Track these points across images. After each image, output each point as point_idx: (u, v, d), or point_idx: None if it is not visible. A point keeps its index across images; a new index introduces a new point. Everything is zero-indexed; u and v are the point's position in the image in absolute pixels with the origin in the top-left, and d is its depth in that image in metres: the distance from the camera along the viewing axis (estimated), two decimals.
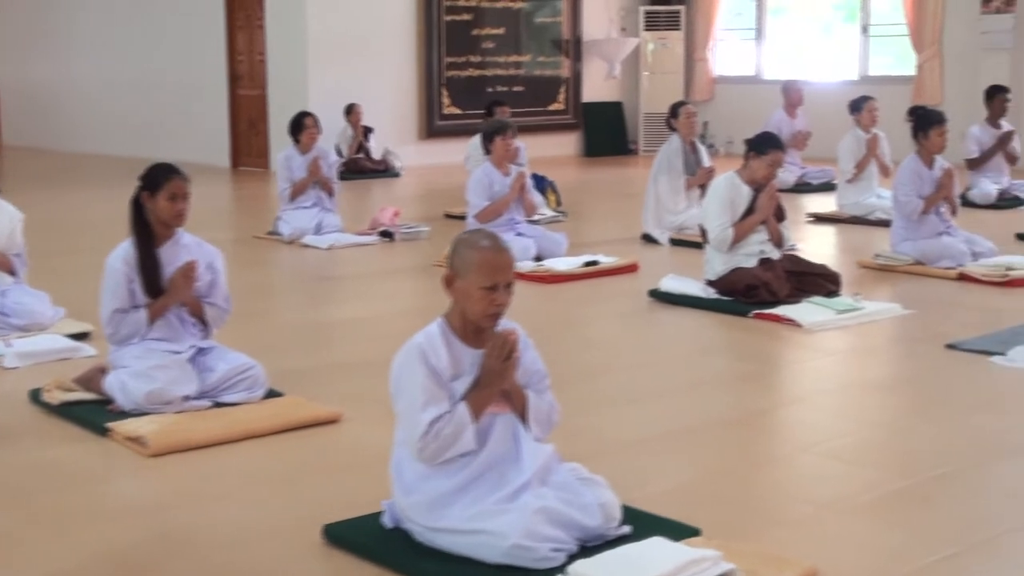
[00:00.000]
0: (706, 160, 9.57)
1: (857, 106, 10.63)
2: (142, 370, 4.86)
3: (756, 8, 17.08)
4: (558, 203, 11.15)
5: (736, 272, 6.92)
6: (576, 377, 5.47)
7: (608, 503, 3.47)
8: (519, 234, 8.38)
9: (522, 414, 3.53)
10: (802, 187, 12.58)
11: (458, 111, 16.07)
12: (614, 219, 10.92)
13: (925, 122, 8.03)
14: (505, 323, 3.54)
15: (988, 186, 11.11)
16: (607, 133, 17.52)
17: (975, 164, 11.26)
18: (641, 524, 3.54)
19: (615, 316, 6.90)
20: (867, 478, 4.18)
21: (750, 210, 6.98)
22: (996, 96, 11.28)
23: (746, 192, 7.00)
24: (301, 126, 9.69)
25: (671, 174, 9.39)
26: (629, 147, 17.63)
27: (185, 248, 5.11)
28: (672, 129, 9.58)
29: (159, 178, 5.00)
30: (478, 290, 3.42)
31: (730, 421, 4.85)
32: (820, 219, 10.52)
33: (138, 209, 5.03)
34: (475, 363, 3.48)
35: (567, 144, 17.25)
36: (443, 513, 3.41)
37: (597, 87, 17.38)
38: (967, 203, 11.11)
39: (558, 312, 7.07)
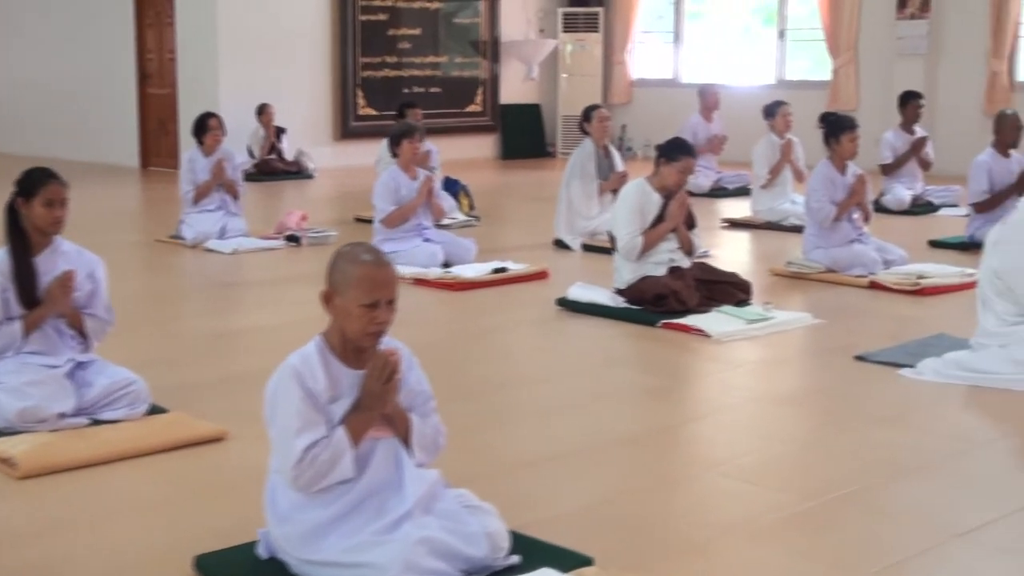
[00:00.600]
0: (619, 164, 9.43)
1: (771, 111, 10.57)
2: (15, 386, 4.59)
3: (674, 11, 17.03)
4: (471, 207, 10.96)
5: (645, 281, 6.78)
6: (475, 391, 5.29)
7: (495, 532, 3.29)
8: (427, 240, 8.18)
9: (405, 439, 3.34)
10: (718, 192, 12.50)
11: (373, 112, 15.82)
12: (528, 224, 10.77)
13: (836, 128, 7.95)
14: (388, 341, 3.35)
15: (902, 192, 11.10)
16: (525, 135, 17.37)
17: (889, 170, 11.25)
18: (531, 553, 3.36)
19: (520, 326, 6.72)
20: (771, 500, 4.04)
21: (660, 218, 6.85)
22: (910, 102, 11.28)
23: (656, 199, 6.86)
24: (205, 127, 9.41)
25: (584, 179, 9.24)
26: (547, 150, 17.50)
27: (64, 256, 4.85)
28: (585, 133, 9.43)
29: (35, 183, 4.73)
30: (357, 307, 3.22)
31: (632, 438, 4.69)
32: (734, 224, 10.43)
33: (13, 215, 4.76)
34: (355, 384, 3.27)
35: (484, 146, 17.07)
36: (319, 545, 3.20)
37: (515, 89, 17.23)
38: (881, 209, 11.09)
39: (462, 321, 6.88)
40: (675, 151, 6.83)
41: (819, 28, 15.22)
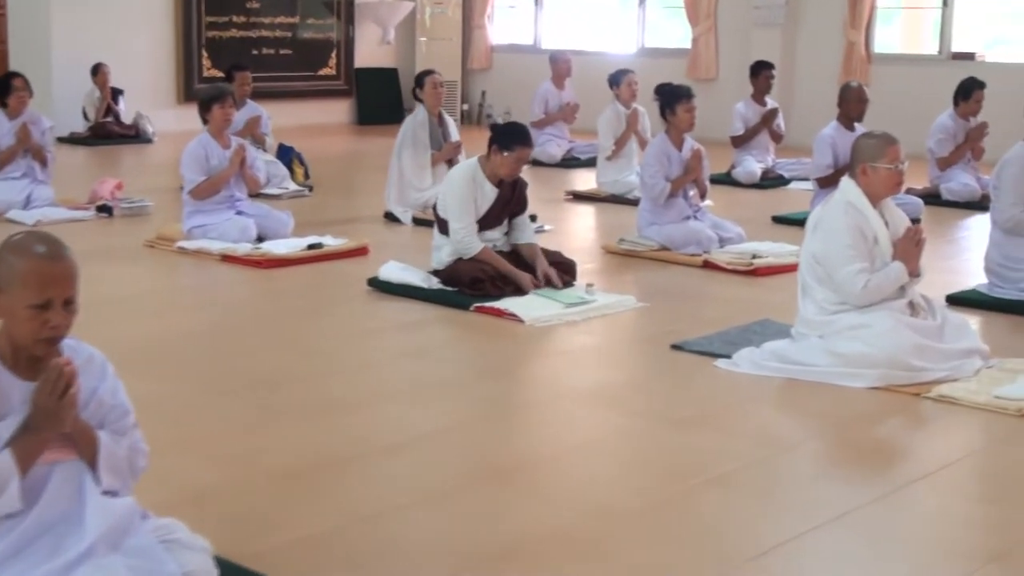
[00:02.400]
0: (454, 134, 8.95)
1: (616, 80, 10.17)
2: None
3: None
4: (306, 176, 10.40)
5: (462, 263, 6.32)
6: (246, 386, 4.80)
7: (197, 571, 2.81)
8: (240, 212, 7.61)
9: (91, 461, 2.83)
10: (570, 161, 12.10)
11: (220, 74, 15.03)
12: (367, 194, 10.22)
13: (671, 98, 7.56)
14: (76, 346, 2.84)
15: (752, 165, 10.82)
16: (381, 100, 16.77)
17: (739, 142, 10.96)
18: None
19: (324, 308, 6.21)
20: (548, 519, 3.61)
21: (494, 207, 6.37)
22: (761, 72, 10.99)
23: (489, 191, 6.36)
24: (8, 88, 8.70)
25: (416, 148, 8.75)
26: (405, 115, 16.81)
27: None
28: (418, 100, 8.92)
29: None
30: (25, 308, 2.70)
31: (403, 444, 4.22)
32: (578, 197, 10.03)
33: None
34: (28, 399, 2.76)
35: (338, 111, 16.45)
36: None
37: (371, 52, 16.62)
38: (731, 182, 10.82)
39: (262, 303, 6.38)
40: (511, 139, 6.33)
41: None
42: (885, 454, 4.30)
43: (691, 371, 5.13)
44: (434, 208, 6.63)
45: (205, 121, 7.64)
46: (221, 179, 7.54)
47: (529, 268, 6.39)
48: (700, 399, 4.78)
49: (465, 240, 6.30)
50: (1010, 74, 12.79)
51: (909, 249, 5.06)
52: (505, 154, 6.29)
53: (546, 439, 4.34)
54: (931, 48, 13.64)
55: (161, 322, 5.89)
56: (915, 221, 8.85)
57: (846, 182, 5.17)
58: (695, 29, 14.71)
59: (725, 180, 10.91)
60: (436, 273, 6.45)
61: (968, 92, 9.84)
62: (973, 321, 6.05)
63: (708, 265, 7.18)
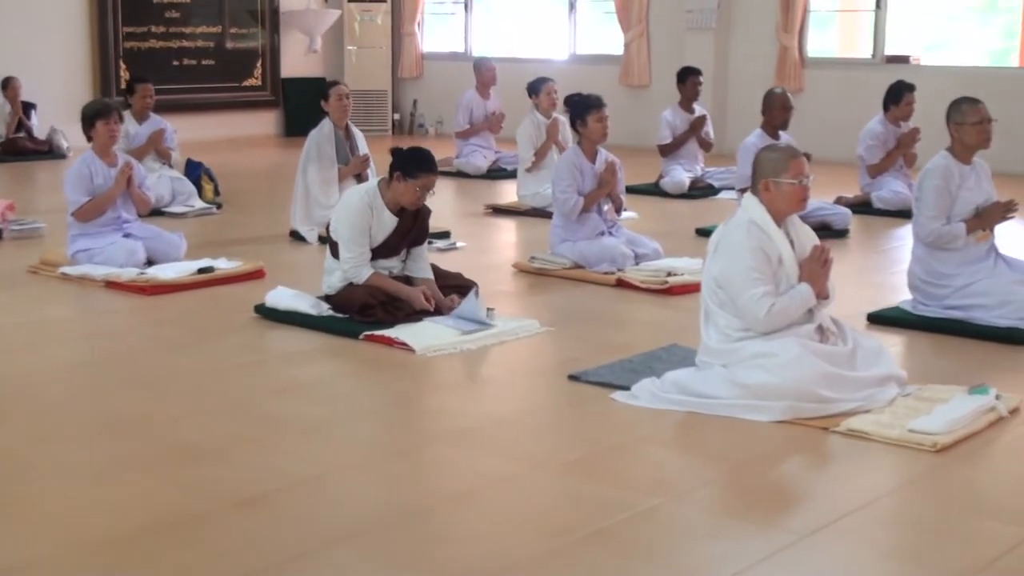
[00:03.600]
0: (363, 147, 8.53)
1: (535, 88, 9.81)
2: None
3: None
4: (216, 193, 9.96)
5: (352, 288, 5.91)
6: (89, 432, 4.37)
7: None
8: (127, 235, 7.17)
9: None
10: (496, 173, 11.72)
11: None
12: (278, 211, 9.75)
13: (581, 108, 7.21)
14: None
15: (681, 174, 10.47)
16: (310, 111, 16.11)
17: (667, 150, 10.62)
18: None
19: (202, 340, 5.75)
20: None
21: (393, 236, 5.96)
22: (688, 78, 10.65)
23: (388, 220, 5.94)
24: None
25: (321, 163, 8.32)
26: None
27: None
28: (323, 112, 8.50)
29: None
30: None
31: (258, 498, 3.80)
32: (498, 211, 9.64)
33: None
34: None
35: (264, 122, 16.01)
36: None
37: (298, 62, 16.20)
38: (659, 192, 10.48)
39: (136, 334, 5.94)
40: (416, 165, 5.88)
41: (610, 0, 14.55)
42: (785, 500, 3.93)
43: (586, 405, 4.74)
44: (327, 229, 6.21)
45: (89, 138, 7.20)
46: (106, 199, 7.09)
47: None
48: (591, 438, 4.39)
49: (353, 270, 5.89)
50: (945, 77, 12.53)
51: (816, 270, 4.70)
52: (409, 181, 5.86)
53: (415, 491, 3.93)
54: (868, 52, 13.35)
55: (24, 357, 5.44)
56: (843, 232, 8.64)
57: (748, 199, 4.81)
58: (627, 34, 14.38)
59: (653, 190, 10.57)
60: (327, 299, 6.05)
61: (898, 96, 9.54)
62: (895, 342, 5.73)
63: (621, 284, 6.81)
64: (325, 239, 7.88)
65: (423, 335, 5.57)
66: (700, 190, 10.44)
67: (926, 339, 5.79)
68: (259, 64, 15.81)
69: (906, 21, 14.09)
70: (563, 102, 7.60)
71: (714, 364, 4.71)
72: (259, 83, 15.84)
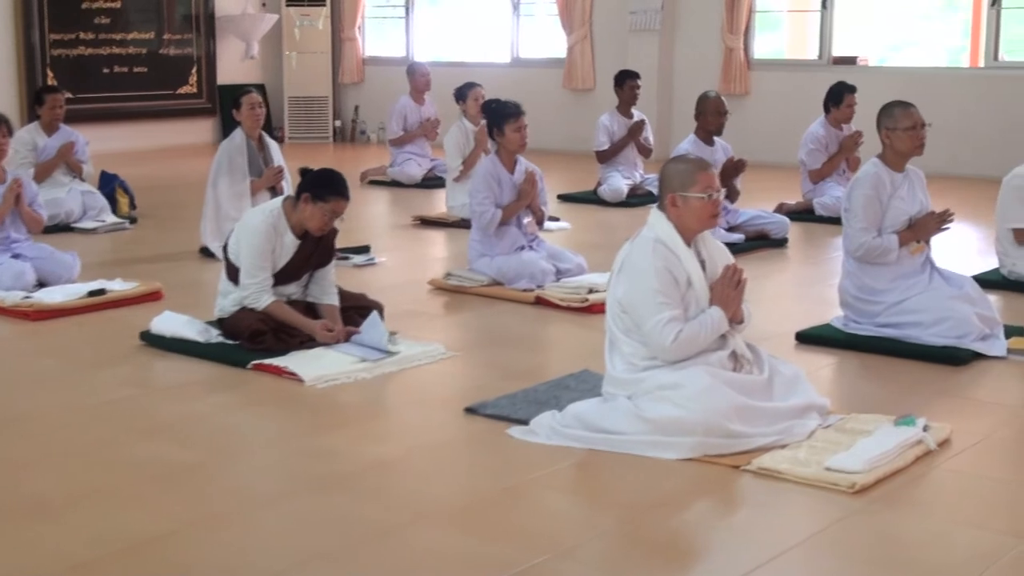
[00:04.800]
0: (277, 158, 8.10)
1: (461, 94, 9.41)
2: None
3: None
4: (132, 206, 9.51)
5: (244, 313, 5.48)
6: None
7: None
8: (16, 255, 6.72)
9: None
10: (431, 182, 11.28)
11: (67, 95, 14.08)
12: (197, 226, 9.32)
13: (498, 117, 6.80)
14: None
15: (619, 181, 10.09)
16: None
17: (605, 157, 10.24)
18: None
19: (77, 372, 5.29)
20: None
21: (295, 260, 5.54)
22: (626, 82, 10.27)
23: (290, 243, 5.50)
24: None
25: (232, 176, 7.87)
26: (274, 134, 16.00)
27: None
28: (235, 122, 8.07)
29: None
30: None
31: (95, 560, 3.39)
32: (426, 222, 9.23)
33: None
34: None
35: (201, 131, 15.53)
36: None
37: (235, 68, 15.74)
38: (597, 200, 10.11)
39: (8, 366, 5.47)
40: (326, 189, 5.41)
41: (553, 2, 14.16)
42: (682, 554, 3.53)
43: (480, 443, 4.34)
44: (224, 249, 5.78)
45: None
46: None
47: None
48: (480, 482, 3.99)
49: (254, 295, 5.47)
50: (893, 78, 12.22)
51: (728, 292, 4.32)
52: (318, 205, 5.41)
53: (273, 552, 3.50)
54: (815, 53, 13.02)
55: None
56: (782, 242, 8.27)
57: (655, 215, 4.42)
58: (570, 37, 14.01)
59: (591, 198, 10.20)
60: (220, 323, 5.62)
61: (839, 97, 9.21)
62: (823, 363, 5.37)
63: (540, 301, 6.42)
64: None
65: (315, 364, 5.16)
66: (639, 198, 10.05)
67: (857, 360, 5.42)
68: (194, 71, 15.34)
69: (866, 22, 13.83)
70: (480, 108, 7.18)
71: (619, 395, 4.32)
72: (195, 90, 15.37)
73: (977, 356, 5.33)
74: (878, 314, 5.56)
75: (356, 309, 5.70)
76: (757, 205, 9.35)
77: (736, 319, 4.37)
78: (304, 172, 5.62)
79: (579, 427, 4.28)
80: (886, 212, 5.56)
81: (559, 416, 4.37)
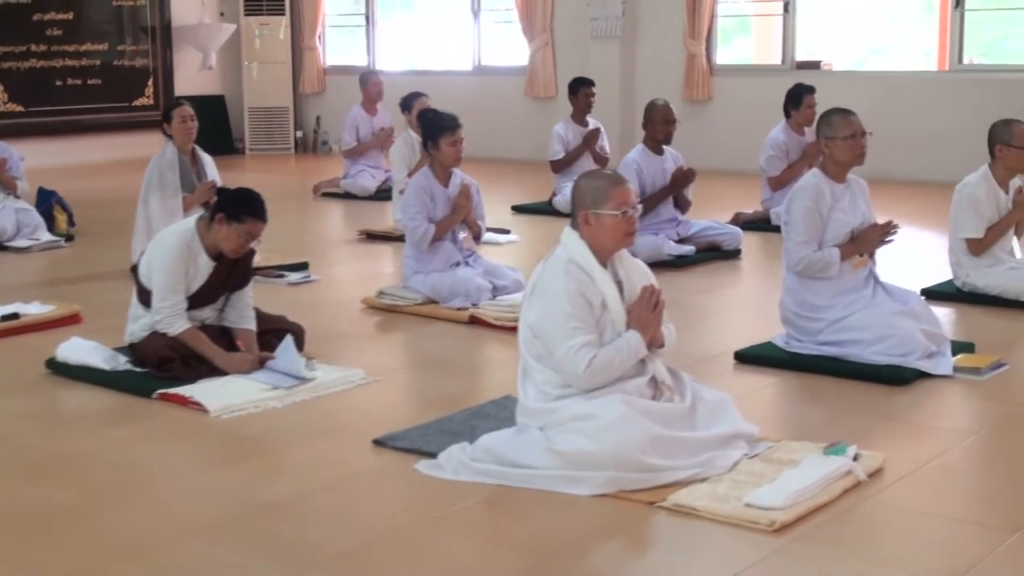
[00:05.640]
0: (211, 172, 7.83)
1: (407, 104, 9.12)
2: None
3: None
4: (70, 223, 9.22)
5: (155, 338, 5.20)
6: None
7: None
8: None
9: None
10: (385, 193, 10.94)
11: (19, 108, 13.90)
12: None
13: (434, 129, 6.53)
14: None
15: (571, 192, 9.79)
16: (207, 130, 15.38)
17: (559, 166, 9.97)
18: None
19: None
20: None
21: (210, 282, 5.25)
22: (580, 89, 10.01)
23: (205, 264, 5.22)
24: None
25: (164, 192, 7.60)
26: (235, 146, 15.79)
27: None
28: (167, 136, 7.79)
29: None
30: None
31: None
32: (372, 237, 8.95)
33: None
34: None
35: (158, 143, 15.06)
36: None
37: (193, 79, 15.45)
38: (551, 211, 9.84)
39: None
40: (242, 208, 5.12)
41: (513, 9, 13.91)
42: None
43: (382, 479, 4.07)
44: (133, 270, 5.50)
45: None
46: None
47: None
48: (376, 523, 3.70)
49: (167, 320, 5.19)
50: (857, 82, 12.01)
51: (644, 315, 4.05)
52: (232, 225, 5.13)
53: None
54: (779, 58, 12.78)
55: None
56: (734, 253, 8.00)
57: (567, 234, 4.16)
58: (531, 44, 13.75)
59: (545, 209, 9.95)
60: (131, 349, 5.34)
61: (798, 99, 8.97)
62: (761, 384, 5.12)
63: (475, 320, 6.15)
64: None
65: (222, 393, 4.88)
66: None
67: (797, 380, 5.16)
68: (150, 82, 15.05)
69: (844, 26, 13.65)
70: (416, 117, 6.93)
71: (532, 426, 4.05)
72: (151, 102, 15.05)
73: (922, 375, 5.07)
74: (820, 331, 5.30)
75: (275, 333, 5.43)
76: (715, 215, 9.12)
77: (655, 343, 4.11)
78: (221, 191, 5.37)
79: (489, 460, 4.02)
80: (827, 225, 5.31)
81: (469, 449, 4.10)
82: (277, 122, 15.73)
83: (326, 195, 11.27)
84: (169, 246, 5.24)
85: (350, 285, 7.36)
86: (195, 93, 15.43)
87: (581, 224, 4.08)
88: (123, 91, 14.80)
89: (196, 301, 5.27)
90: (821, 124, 5.36)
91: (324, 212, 10.63)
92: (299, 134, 15.88)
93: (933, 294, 6.59)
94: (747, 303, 6.87)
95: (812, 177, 5.35)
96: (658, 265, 7.54)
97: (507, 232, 8.83)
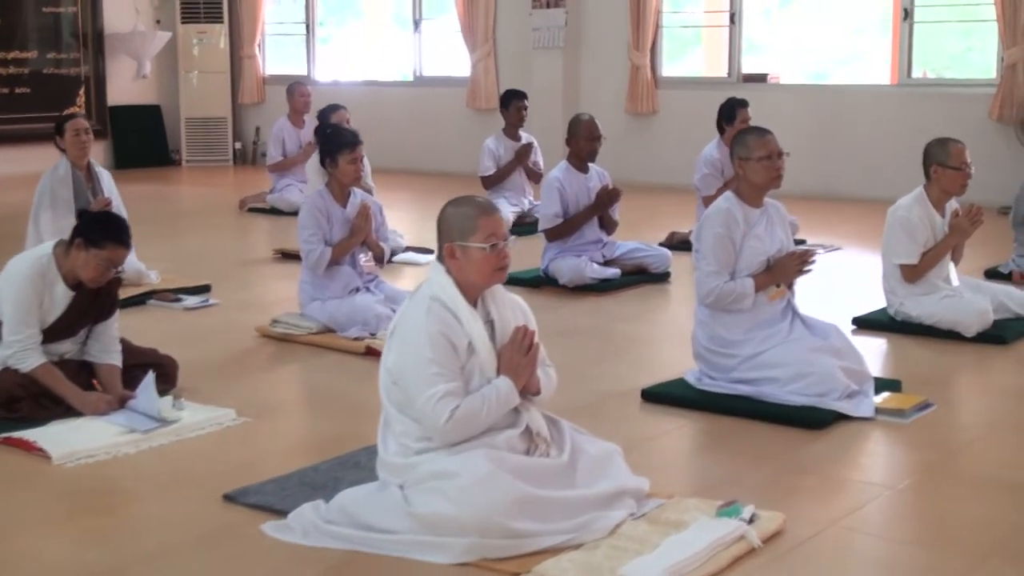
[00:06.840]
0: (108, 188, 7.38)
1: (325, 117, 8.68)
2: None
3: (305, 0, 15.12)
4: None
5: (4, 374, 4.73)
6: None
7: None
8: None
9: None
10: None
11: None
12: None
13: (333, 146, 6.10)
14: None
15: (505, 209, 9.39)
16: (143, 141, 15.12)
17: (491, 182, 9.58)
18: None
19: None
20: None
21: (68, 314, 4.80)
22: (512, 102, 9.62)
23: (62, 294, 4.77)
24: None
25: (56, 209, 7.16)
26: (171, 156, 15.31)
27: None
28: (60, 150, 7.34)
29: None
30: None
31: None
32: (287, 256, 8.48)
33: None
34: None
35: (92, 154, 14.68)
36: None
37: (127, 88, 14.98)
38: None
39: None
40: (102, 233, 4.68)
41: (455, 18, 13.50)
42: None
43: (224, 544, 3.62)
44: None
45: None
46: None
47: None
48: None
49: (19, 355, 4.73)
50: (805, 96, 11.66)
51: (517, 359, 3.63)
52: (91, 251, 4.68)
53: None
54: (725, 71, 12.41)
55: None
56: (663, 276, 7.59)
57: (434, 268, 3.74)
58: (473, 55, 13.34)
59: None
60: None
61: (731, 114, 8.57)
62: (667, 428, 4.71)
63: (371, 352, 5.70)
64: None
65: (69, 437, 4.43)
66: (527, 226, 9.34)
67: (705, 422, 4.75)
68: (82, 91, 14.56)
69: (806, 38, 13.33)
70: (314, 132, 6.50)
71: (391, 483, 3.62)
72: (83, 112, 14.53)
73: (841, 417, 4.67)
74: (733, 368, 4.90)
75: (143, 367, 4.97)
76: (649, 233, 8.74)
77: (531, 390, 3.69)
78: (82, 214, 4.93)
79: (343, 522, 3.58)
80: (740, 253, 4.90)
81: (323, 508, 3.67)
82: (215, 133, 15.26)
83: (252, 210, 10.83)
84: (21, 273, 4.79)
85: (250, 311, 6.89)
86: (130, 103, 15.04)
87: (447, 257, 3.66)
88: (53, 100, 14.27)
89: (53, 334, 4.82)
90: (735, 144, 4.96)
91: (246, 228, 10.18)
92: (238, 145, 15.43)
93: (865, 323, 6.22)
94: (670, 332, 6.45)
95: (724, 201, 4.94)
96: (581, 289, 7.16)
97: (430, 252, 8.39)
